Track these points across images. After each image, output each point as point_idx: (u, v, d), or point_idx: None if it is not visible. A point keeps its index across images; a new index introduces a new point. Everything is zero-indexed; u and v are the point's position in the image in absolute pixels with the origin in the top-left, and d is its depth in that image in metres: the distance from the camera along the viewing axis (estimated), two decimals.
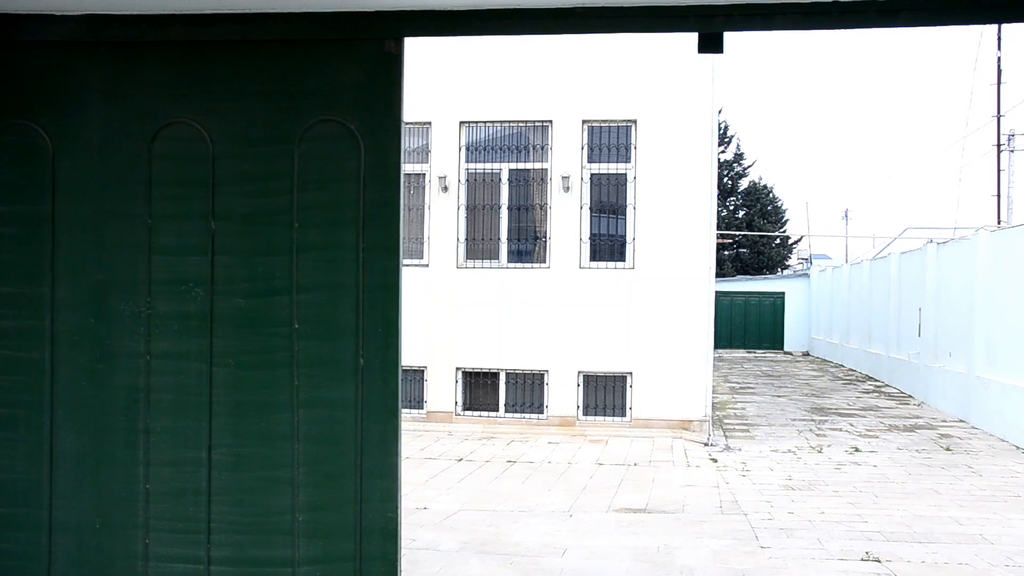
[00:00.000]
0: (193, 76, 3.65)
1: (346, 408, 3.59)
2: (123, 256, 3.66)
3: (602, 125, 13.70)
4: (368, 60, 3.59)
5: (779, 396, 19.10)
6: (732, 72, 74.40)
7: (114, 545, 3.66)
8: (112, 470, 3.67)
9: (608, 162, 13.69)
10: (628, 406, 13.48)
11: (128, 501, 3.64)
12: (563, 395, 13.57)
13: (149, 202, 3.66)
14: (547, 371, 13.64)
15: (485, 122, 13.92)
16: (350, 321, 3.59)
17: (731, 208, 46.77)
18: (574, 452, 11.98)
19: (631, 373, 13.44)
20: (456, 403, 13.84)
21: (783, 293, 34.73)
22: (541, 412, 13.68)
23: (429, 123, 13.97)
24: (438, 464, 11.05)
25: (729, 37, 3.62)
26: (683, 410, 13.30)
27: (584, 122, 13.65)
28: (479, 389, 13.91)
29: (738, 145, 47.25)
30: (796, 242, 48.00)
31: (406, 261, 13.89)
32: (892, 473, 10.72)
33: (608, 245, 13.78)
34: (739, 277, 38.94)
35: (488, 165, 13.97)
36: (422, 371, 13.93)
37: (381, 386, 3.59)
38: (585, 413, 13.60)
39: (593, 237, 13.74)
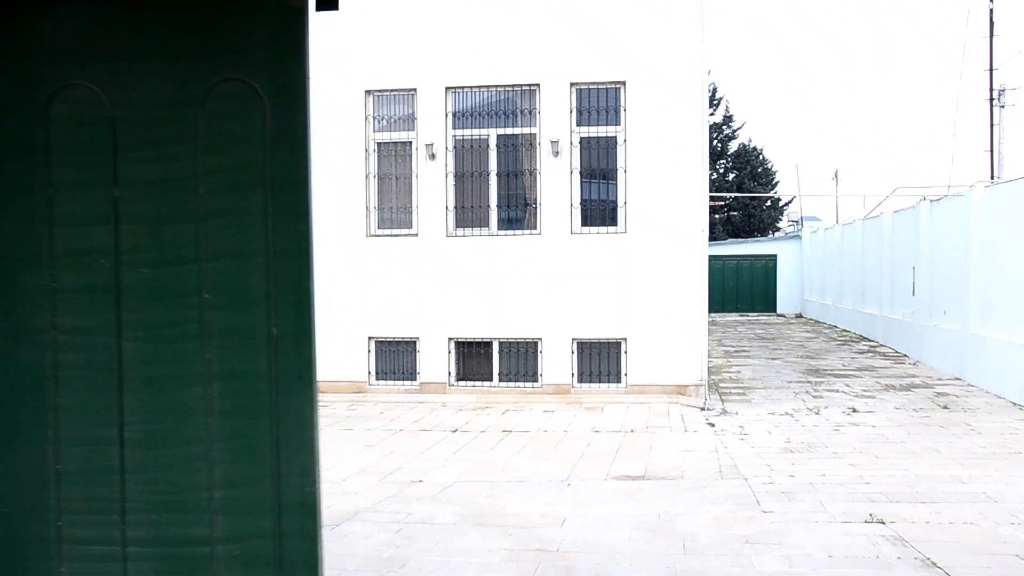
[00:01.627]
0: (88, 35, 3.44)
1: (260, 380, 3.45)
2: (23, 228, 3.48)
3: (590, 87, 13.44)
4: (272, 15, 3.41)
5: (774, 359, 19.02)
6: (719, 34, 73.78)
7: (25, 529, 3.52)
8: (20, 451, 3.51)
9: (597, 125, 13.46)
10: (623, 372, 13.35)
11: (38, 483, 3.50)
12: (557, 363, 13.43)
13: (48, 170, 3.48)
14: (541, 339, 13.49)
15: (471, 87, 13.65)
16: (261, 290, 3.44)
17: (721, 171, 46.54)
18: (570, 420, 11.87)
19: (625, 339, 13.30)
20: (450, 374, 13.70)
21: (775, 255, 34.62)
22: (536, 381, 13.55)
23: (414, 90, 13.70)
24: (433, 436, 10.92)
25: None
26: (679, 375, 13.18)
27: (572, 85, 13.39)
28: (472, 359, 13.76)
29: (727, 107, 47.00)
30: (787, 204, 47.85)
31: (396, 231, 13.69)
32: (891, 433, 10.63)
33: (599, 210, 13.58)
34: (730, 240, 38.80)
35: (476, 131, 13.73)
36: (414, 342, 13.77)
37: (295, 356, 3.44)
38: (580, 380, 13.48)
39: (584, 202, 13.55)
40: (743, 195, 44.83)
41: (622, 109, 13.31)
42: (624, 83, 13.25)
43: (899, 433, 10.63)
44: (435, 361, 13.68)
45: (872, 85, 79.83)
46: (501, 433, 11.03)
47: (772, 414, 12.16)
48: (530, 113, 13.60)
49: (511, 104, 13.73)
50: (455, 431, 11.22)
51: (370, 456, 9.78)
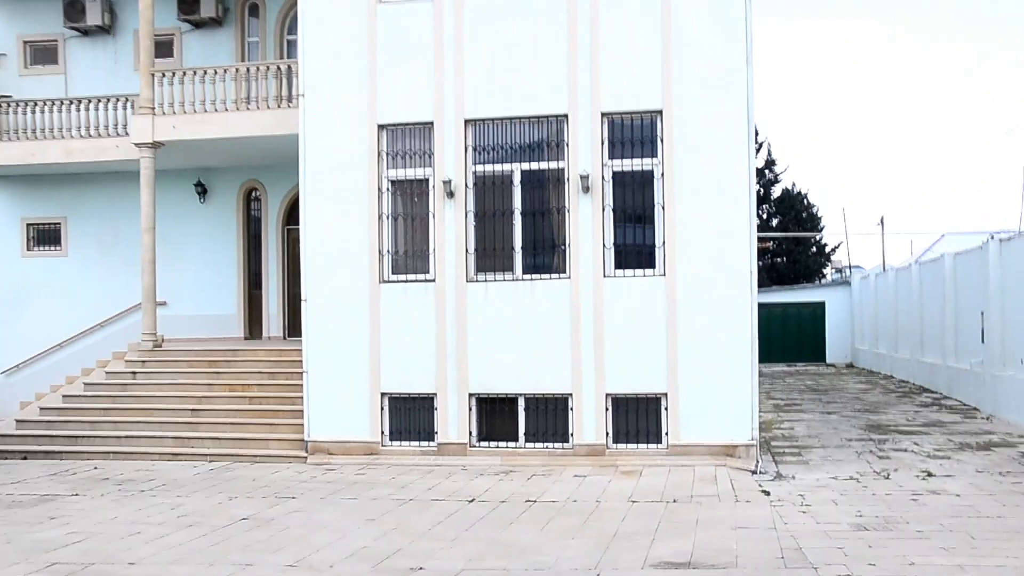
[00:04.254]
0: None
1: None
2: None
3: (624, 117, 12.23)
4: None
5: (829, 413, 17.40)
6: (759, 76, 72.54)
7: None
8: None
9: (632, 157, 12.21)
10: (664, 431, 11.91)
11: None
12: (590, 421, 12.03)
13: None
14: (571, 394, 12.11)
15: (493, 119, 12.50)
16: None
17: (764, 217, 44.98)
18: (603, 488, 10.44)
19: (665, 394, 11.88)
20: (470, 434, 12.35)
21: (823, 303, 32.92)
22: (566, 441, 12.15)
23: (430, 123, 12.57)
24: (445, 507, 9.55)
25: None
26: (726, 434, 11.72)
27: (604, 115, 12.18)
28: (495, 417, 12.41)
29: (769, 150, 45.47)
30: (834, 249, 46.06)
31: (412, 276, 12.51)
32: (982, 505, 9.06)
33: (635, 251, 12.28)
34: (775, 287, 37.15)
35: (498, 167, 12.55)
36: (431, 398, 12.46)
37: None
38: (616, 440, 12.06)
39: (618, 242, 12.25)
40: (789, 235, 43.12)
41: (659, 140, 12.06)
42: (660, 112, 12.01)
43: (991, 505, 9.05)
44: (454, 420, 12.35)
45: (918, 127, 78.02)
46: (524, 504, 9.64)
47: (835, 478, 10.64)
48: (557, 146, 12.41)
49: (536, 137, 12.55)
50: (472, 501, 9.84)
51: (369, 534, 8.44)
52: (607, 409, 12.04)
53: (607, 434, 12.03)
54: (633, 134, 12.24)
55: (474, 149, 12.56)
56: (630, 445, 12.00)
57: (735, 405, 11.65)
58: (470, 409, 12.35)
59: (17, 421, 14.40)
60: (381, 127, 12.73)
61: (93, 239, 18.37)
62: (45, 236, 18.74)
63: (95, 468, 12.38)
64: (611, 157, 12.24)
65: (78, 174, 18.03)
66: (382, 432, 12.59)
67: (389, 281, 12.71)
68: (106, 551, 7.99)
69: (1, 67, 18.80)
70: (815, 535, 7.98)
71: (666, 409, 11.89)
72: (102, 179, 17.94)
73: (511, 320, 12.28)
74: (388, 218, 12.78)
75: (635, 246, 12.31)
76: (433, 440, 12.42)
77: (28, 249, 18.75)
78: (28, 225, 18.74)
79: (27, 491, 10.90)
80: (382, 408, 12.60)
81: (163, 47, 17.57)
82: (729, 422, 11.69)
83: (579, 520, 8.81)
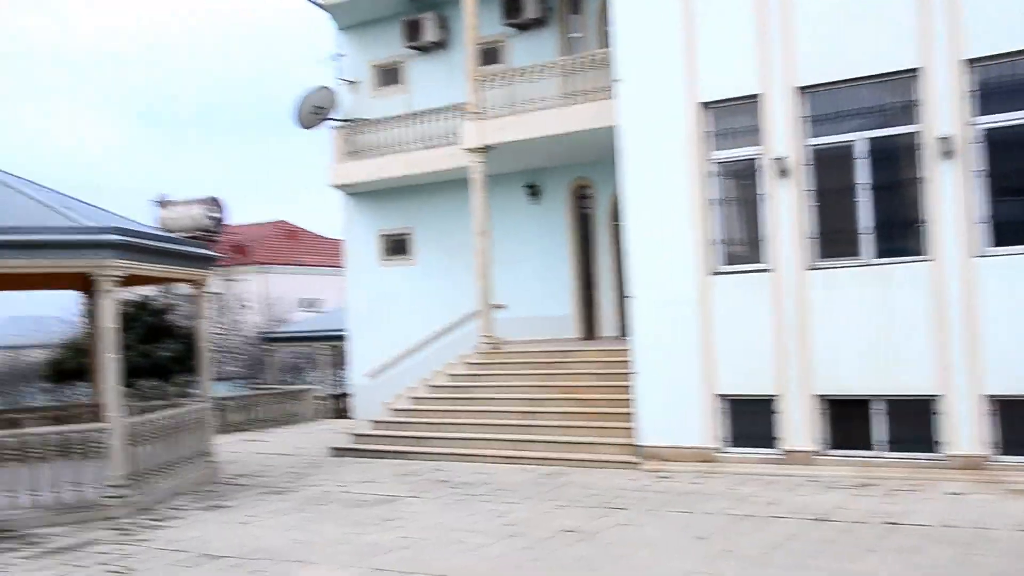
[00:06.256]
0: None
1: None
2: None
3: (993, 63, 10.20)
4: None
5: None
6: None
7: None
8: None
9: (1010, 111, 10.15)
10: None
11: None
12: (964, 428, 10.15)
13: None
14: (938, 396, 10.31)
15: (828, 84, 11.02)
16: None
17: None
18: (985, 510, 8.67)
19: None
20: (817, 440, 10.97)
21: None
22: (933, 451, 10.35)
23: (755, 96, 11.37)
24: (787, 526, 8.39)
25: None
26: None
27: (968, 62, 10.24)
28: (846, 421, 10.91)
29: None
30: None
31: (743, 266, 11.45)
32: None
33: (1018, 224, 10.19)
34: None
35: (836, 138, 11.05)
36: (771, 401, 11.25)
37: None
38: (1001, 452, 10.06)
39: (993, 215, 10.24)
40: None
41: None
42: None
43: None
44: (798, 424, 11.04)
45: None
46: (883, 527, 8.20)
47: None
48: (908, 108, 10.65)
49: (881, 99, 10.87)
50: (817, 519, 8.58)
51: (696, 554, 7.56)
52: (988, 414, 10.08)
53: (989, 443, 10.07)
54: (1008, 83, 10.17)
55: (808, 120, 11.17)
56: (1020, 458, 9.94)
57: None
58: (817, 413, 10.97)
59: (373, 422, 15.27)
60: (703, 105, 11.75)
61: (436, 247, 19.19)
62: (396, 246, 19.92)
63: (437, 470, 12.67)
64: (979, 113, 10.26)
65: (421, 185, 18.91)
66: (718, 437, 11.59)
67: (719, 272, 11.69)
68: (424, 559, 7.87)
69: (355, 92, 20.28)
70: None
71: None
72: (442, 188, 18.67)
73: (860, 311, 10.73)
74: (715, 204, 11.76)
75: (1017, 218, 10.22)
76: (774, 447, 11.21)
77: (383, 259, 20.04)
78: (382, 236, 20.03)
79: (372, 491, 11.32)
80: (717, 411, 11.61)
81: (491, 54, 17.91)
82: None
83: (958, 553, 7.26)
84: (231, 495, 11.49)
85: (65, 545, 9.07)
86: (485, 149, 15.78)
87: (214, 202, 41.98)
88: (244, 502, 10.98)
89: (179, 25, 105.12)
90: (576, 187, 17.85)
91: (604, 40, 16.92)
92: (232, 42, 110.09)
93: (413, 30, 19.12)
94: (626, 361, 12.62)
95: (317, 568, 7.80)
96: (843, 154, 11.00)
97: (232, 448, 15.68)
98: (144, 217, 41.12)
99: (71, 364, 19.99)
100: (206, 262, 12.99)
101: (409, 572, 7.50)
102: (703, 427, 11.62)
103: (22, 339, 32.93)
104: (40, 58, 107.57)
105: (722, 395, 11.59)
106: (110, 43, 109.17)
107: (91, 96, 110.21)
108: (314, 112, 19.60)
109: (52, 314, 27.72)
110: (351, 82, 20.19)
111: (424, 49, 19.32)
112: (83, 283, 12.64)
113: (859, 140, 10.92)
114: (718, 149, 11.76)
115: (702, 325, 11.66)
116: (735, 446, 11.52)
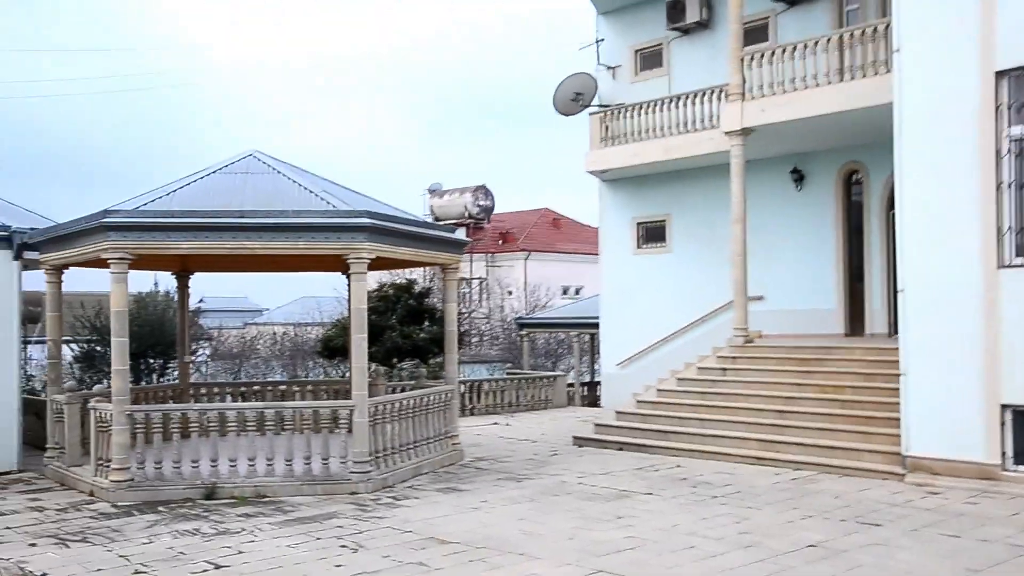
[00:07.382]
0: None
1: None
2: None
3: None
4: None
5: None
6: None
7: None
8: None
9: None
10: None
11: None
12: None
13: None
14: None
15: None
16: None
17: None
18: None
19: None
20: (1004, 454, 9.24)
21: None
22: None
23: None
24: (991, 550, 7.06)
25: None
26: None
27: None
28: None
29: None
30: None
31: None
32: None
33: None
34: None
35: None
36: None
37: None
38: None
39: None
40: None
41: None
42: None
43: None
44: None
45: None
46: None
47: None
48: None
49: None
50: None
51: None
52: None
53: None
54: None
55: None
56: None
57: None
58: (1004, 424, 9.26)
59: (617, 412, 14.90)
60: (1000, 74, 10.25)
61: (692, 235, 18.45)
62: (652, 234, 19.38)
63: (678, 466, 12.08)
64: None
65: (678, 171, 18.24)
66: (1003, 453, 10.11)
67: (1010, 266, 10.18)
68: (650, 564, 7.39)
69: (616, 78, 19.96)
70: None
71: None
72: (700, 174, 17.89)
73: None
74: (1008, 188, 10.25)
75: None
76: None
77: (638, 247, 19.58)
78: (638, 224, 19.57)
79: (608, 485, 10.95)
80: (1003, 423, 10.12)
81: (757, 32, 16.89)
82: None
83: None
84: (469, 479, 11.56)
85: (308, 515, 9.46)
86: (745, 132, 14.89)
87: (482, 190, 43.72)
88: (480, 487, 10.99)
89: (454, 24, 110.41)
90: (846, 172, 16.44)
91: (884, 11, 15.44)
92: (506, 36, 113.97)
93: (676, 11, 18.46)
94: (895, 361, 11.34)
95: (540, 564, 7.53)
96: None
97: (477, 431, 15.93)
98: (417, 206, 43.39)
99: (338, 342, 21.26)
100: (455, 247, 13.19)
101: None
102: (984, 440, 10.18)
103: (306, 318, 35.93)
104: (340, 60, 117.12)
105: (1009, 405, 10.09)
106: (397, 45, 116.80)
107: (377, 94, 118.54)
108: (573, 99, 19.50)
109: (330, 295, 29.88)
110: (610, 67, 19.88)
111: (687, 30, 18.61)
112: (345, 265, 13.27)
113: None
114: (1014, 124, 10.23)
115: (986, 325, 10.21)
116: (1022, 464, 10.00)
